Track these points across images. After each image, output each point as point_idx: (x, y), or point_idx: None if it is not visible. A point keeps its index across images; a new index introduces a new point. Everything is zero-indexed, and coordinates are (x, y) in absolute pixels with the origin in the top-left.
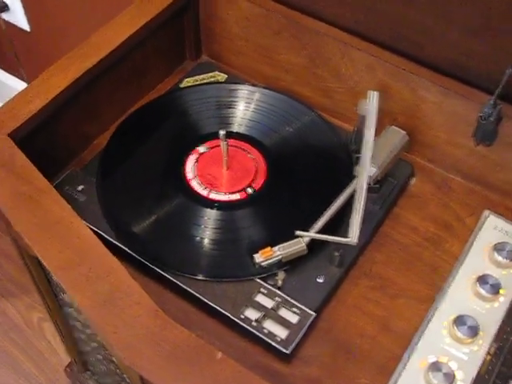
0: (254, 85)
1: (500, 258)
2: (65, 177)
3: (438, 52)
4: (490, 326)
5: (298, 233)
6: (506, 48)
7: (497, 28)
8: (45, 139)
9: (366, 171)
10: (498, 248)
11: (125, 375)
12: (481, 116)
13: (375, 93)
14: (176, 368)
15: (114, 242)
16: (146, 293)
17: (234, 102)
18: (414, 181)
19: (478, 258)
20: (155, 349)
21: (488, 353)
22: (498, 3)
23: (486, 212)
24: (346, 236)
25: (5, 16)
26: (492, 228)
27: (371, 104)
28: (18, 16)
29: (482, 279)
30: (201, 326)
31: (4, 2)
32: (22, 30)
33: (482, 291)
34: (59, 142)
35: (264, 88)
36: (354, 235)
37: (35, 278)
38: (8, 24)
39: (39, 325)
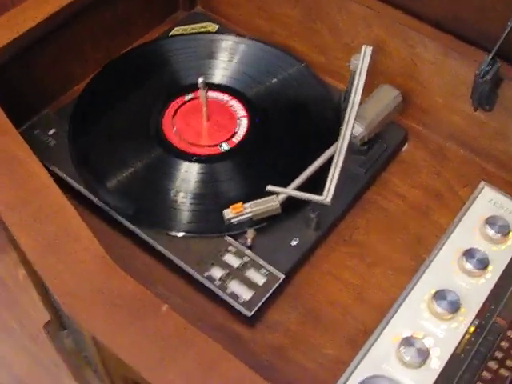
0: (240, 35)
1: (491, 233)
2: (37, 119)
3: (438, 6)
4: (473, 303)
5: (269, 188)
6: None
7: None
8: (18, 76)
9: (349, 129)
10: (490, 222)
11: None
12: (477, 74)
13: (369, 47)
14: (117, 318)
15: (83, 191)
16: (95, 238)
17: (218, 52)
18: (406, 146)
19: (467, 231)
20: (97, 297)
21: (467, 331)
22: None
23: (482, 183)
24: (320, 195)
25: None
26: (486, 201)
27: (363, 59)
28: None
29: (469, 253)
30: (164, 282)
31: None
32: None
33: (468, 266)
34: (35, 80)
35: (250, 39)
36: (327, 194)
37: (7, 230)
38: None
39: (25, 282)
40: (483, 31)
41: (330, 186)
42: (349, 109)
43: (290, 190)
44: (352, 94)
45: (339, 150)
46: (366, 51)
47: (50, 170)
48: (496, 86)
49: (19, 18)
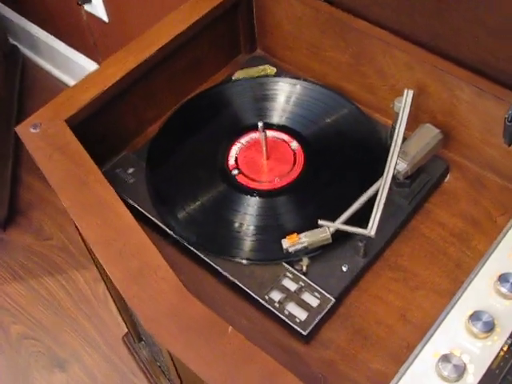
0: (296, 78)
1: None
2: (118, 160)
3: (472, 53)
4: (507, 324)
5: (320, 222)
6: None
7: None
8: (100, 125)
9: (392, 166)
10: None
11: None
12: (506, 117)
13: (410, 91)
14: (190, 339)
15: (157, 222)
16: (172, 270)
17: (277, 94)
18: (448, 178)
19: (503, 257)
20: (174, 321)
21: (502, 349)
22: None
23: None
24: (365, 228)
25: (87, 7)
26: None
27: (404, 102)
28: (98, 8)
29: (504, 277)
30: (231, 304)
31: None
32: (101, 20)
33: (503, 289)
34: (115, 128)
35: (304, 81)
36: (371, 227)
37: (91, 252)
38: (89, 15)
39: (105, 296)
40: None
41: (374, 220)
42: (392, 148)
43: (339, 224)
44: (395, 136)
45: (382, 187)
46: (408, 94)
47: (129, 204)
48: None
49: (104, 74)
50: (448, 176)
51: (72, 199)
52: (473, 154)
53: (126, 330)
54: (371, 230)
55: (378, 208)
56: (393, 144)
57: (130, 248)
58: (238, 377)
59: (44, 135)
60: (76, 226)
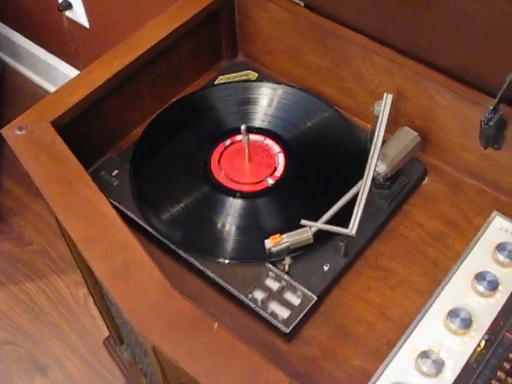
0: (277, 83)
1: (501, 258)
2: (102, 162)
3: (451, 59)
4: (484, 320)
5: (302, 222)
6: (509, 58)
7: (499, 41)
8: (86, 127)
9: (372, 168)
10: (501, 247)
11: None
12: (482, 120)
13: (390, 95)
14: (176, 335)
15: (142, 223)
16: (157, 268)
17: (259, 98)
18: (426, 180)
19: (480, 256)
20: (160, 317)
21: (479, 344)
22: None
23: (494, 213)
24: (346, 228)
25: (68, 14)
26: (498, 228)
27: (384, 105)
28: (79, 14)
29: (480, 275)
30: (214, 303)
31: (68, 1)
32: (82, 26)
33: (479, 287)
34: (101, 130)
35: (286, 85)
36: (352, 227)
37: (74, 255)
38: (70, 21)
39: (85, 300)
40: (489, 81)
41: (354, 220)
42: (372, 150)
43: (320, 224)
44: (375, 138)
45: (363, 188)
46: (388, 98)
47: (114, 206)
48: (502, 128)
49: (89, 77)
50: (426, 179)
51: (57, 199)
52: (450, 158)
53: (107, 334)
54: (352, 229)
55: (358, 208)
56: (372, 146)
57: (116, 246)
58: (223, 371)
59: (30, 137)
60: (60, 227)
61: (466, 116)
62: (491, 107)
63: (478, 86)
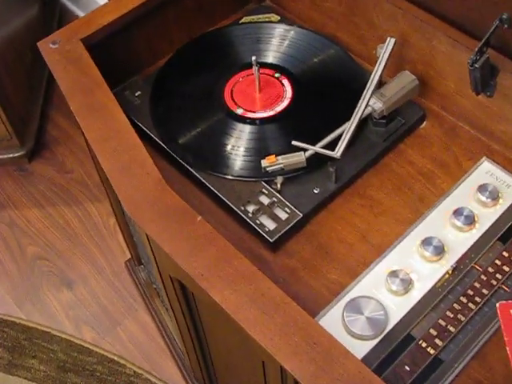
0: (291, 25)
1: (482, 198)
2: (127, 83)
3: (450, 5)
4: (457, 251)
5: (293, 143)
6: (499, 4)
7: None
8: (114, 49)
9: (365, 101)
10: (483, 188)
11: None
12: (468, 62)
13: (392, 39)
14: (163, 223)
15: (156, 139)
16: (156, 167)
17: (273, 38)
18: (424, 124)
19: (462, 195)
20: (152, 208)
21: (447, 272)
22: None
23: (483, 158)
24: (333, 151)
25: None
26: (484, 172)
27: (386, 47)
28: None
29: (458, 211)
30: (211, 214)
31: None
32: None
33: (457, 222)
34: (128, 54)
35: (298, 27)
36: (338, 150)
37: (104, 183)
38: None
39: (114, 228)
40: (484, 28)
41: (341, 144)
42: (368, 84)
43: (310, 146)
44: (372, 74)
45: (354, 117)
46: (390, 41)
47: (134, 122)
48: (491, 74)
49: (120, 3)
50: (425, 123)
51: (78, 103)
52: (448, 104)
53: (130, 257)
54: (338, 152)
55: (347, 134)
56: (369, 81)
57: (123, 146)
58: (199, 255)
59: (61, 50)
60: (92, 158)
61: (463, 62)
62: (476, 49)
63: (475, 34)
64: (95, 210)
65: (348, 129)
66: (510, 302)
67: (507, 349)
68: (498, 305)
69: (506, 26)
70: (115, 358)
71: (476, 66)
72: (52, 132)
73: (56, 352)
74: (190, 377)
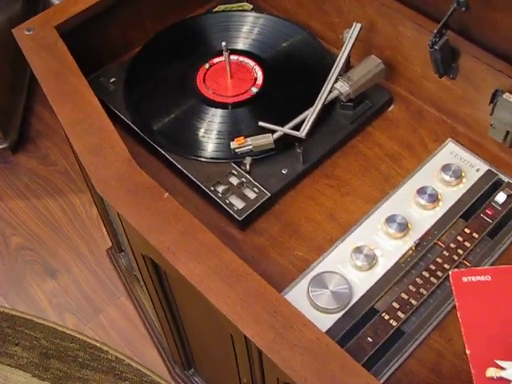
0: (260, 12)
1: (446, 177)
2: (102, 70)
3: None
4: (420, 228)
5: (260, 124)
6: None
7: None
8: (88, 37)
9: (330, 83)
10: (446, 168)
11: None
12: (428, 44)
13: (358, 24)
14: (131, 199)
15: (129, 122)
16: (126, 147)
17: (243, 26)
18: (392, 108)
19: (426, 174)
20: (121, 185)
21: (410, 248)
22: None
23: (448, 139)
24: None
25: None
26: (449, 153)
27: (352, 32)
28: None
29: (422, 189)
30: (183, 195)
31: None
32: None
33: (421, 200)
34: (105, 41)
35: (268, 15)
36: (303, 130)
37: (83, 172)
38: None
39: (97, 219)
40: (444, 11)
41: (306, 125)
42: (334, 67)
43: (276, 126)
44: (338, 58)
45: (319, 99)
46: (356, 26)
47: (108, 107)
48: (453, 57)
49: None
50: (392, 106)
51: (51, 87)
52: (415, 88)
53: (111, 244)
54: (303, 132)
55: (312, 115)
56: (335, 64)
57: (94, 128)
58: (166, 230)
59: (35, 37)
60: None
61: (425, 46)
62: (435, 31)
63: (438, 18)
64: (78, 201)
65: (313, 110)
66: (462, 269)
67: (458, 314)
68: (450, 272)
69: (463, 8)
70: (97, 345)
71: (436, 47)
72: (36, 125)
73: (39, 339)
74: (169, 361)
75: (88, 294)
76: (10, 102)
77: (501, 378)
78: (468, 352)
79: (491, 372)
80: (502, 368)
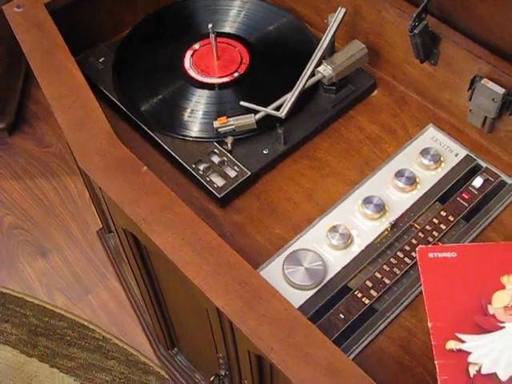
0: None
1: (425, 161)
2: (92, 50)
3: None
4: (397, 210)
5: (241, 103)
6: None
7: None
8: (78, 16)
9: (312, 66)
10: (425, 152)
11: None
12: (408, 29)
13: (343, 9)
14: (111, 173)
15: (116, 101)
16: (108, 122)
17: (230, 10)
18: (375, 93)
19: (406, 158)
20: (102, 159)
21: (386, 229)
22: None
23: (429, 125)
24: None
25: None
26: (429, 138)
27: (336, 16)
28: None
29: (400, 172)
30: (166, 173)
31: None
32: None
33: (398, 183)
34: (92, 22)
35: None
36: (283, 110)
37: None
38: None
39: (89, 201)
40: None
41: (286, 105)
42: (317, 50)
43: (257, 106)
44: (322, 40)
45: (300, 80)
46: (340, 11)
47: (96, 86)
48: (434, 42)
49: None
50: (376, 91)
51: (38, 63)
52: (398, 73)
53: (101, 226)
54: (283, 112)
55: (292, 96)
56: (318, 46)
57: (79, 104)
58: (143, 202)
59: (25, 14)
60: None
61: (407, 31)
62: (414, 15)
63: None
64: (72, 183)
65: (293, 91)
66: (429, 246)
67: (422, 288)
68: (417, 248)
69: None
70: (85, 323)
71: (415, 31)
72: (32, 108)
73: (28, 317)
74: (154, 341)
75: (78, 274)
76: (6, 83)
77: (460, 350)
78: (430, 325)
79: (451, 344)
80: (462, 341)
